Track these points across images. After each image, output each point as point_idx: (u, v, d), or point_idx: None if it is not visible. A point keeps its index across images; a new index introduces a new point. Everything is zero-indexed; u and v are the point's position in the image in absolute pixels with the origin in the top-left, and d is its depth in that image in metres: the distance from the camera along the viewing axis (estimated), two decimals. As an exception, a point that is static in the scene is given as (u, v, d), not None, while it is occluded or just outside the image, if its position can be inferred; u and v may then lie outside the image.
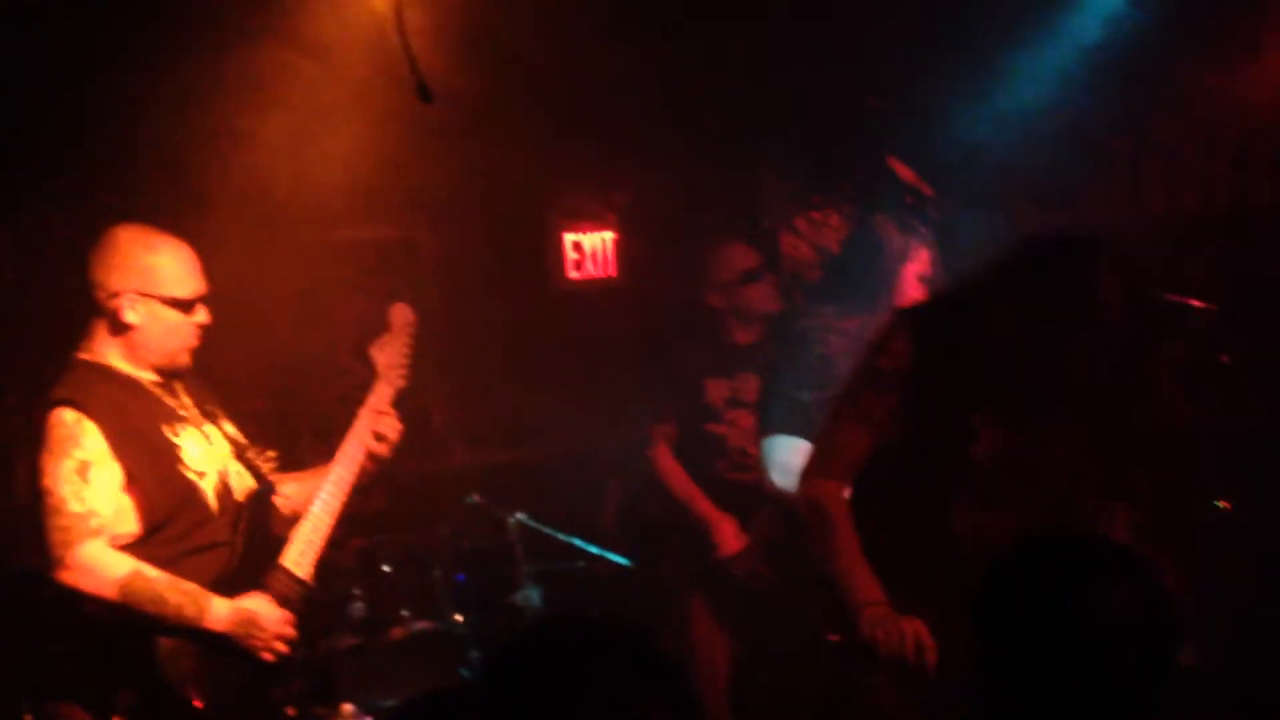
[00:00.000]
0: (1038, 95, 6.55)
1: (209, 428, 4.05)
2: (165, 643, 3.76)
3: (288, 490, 4.19)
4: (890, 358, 3.77)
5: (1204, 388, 5.34)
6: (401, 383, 4.29)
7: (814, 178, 6.92)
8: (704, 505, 5.67)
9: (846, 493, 3.86)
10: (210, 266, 4.06)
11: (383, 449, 4.21)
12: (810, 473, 3.89)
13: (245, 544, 3.95)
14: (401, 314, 4.39)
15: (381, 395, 4.25)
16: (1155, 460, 4.14)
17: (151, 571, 3.73)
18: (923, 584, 3.70)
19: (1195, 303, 5.24)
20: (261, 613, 3.84)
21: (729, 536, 5.64)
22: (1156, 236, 6.54)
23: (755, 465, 5.77)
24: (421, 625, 5.53)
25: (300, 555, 3.98)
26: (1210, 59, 6.48)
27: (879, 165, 6.50)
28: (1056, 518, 3.75)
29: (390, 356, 4.31)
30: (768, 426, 5.75)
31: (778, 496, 5.57)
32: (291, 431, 5.68)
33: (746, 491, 5.72)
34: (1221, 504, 5.27)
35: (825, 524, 3.78)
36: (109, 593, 3.69)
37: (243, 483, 4.05)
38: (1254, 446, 5.43)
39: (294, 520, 4.07)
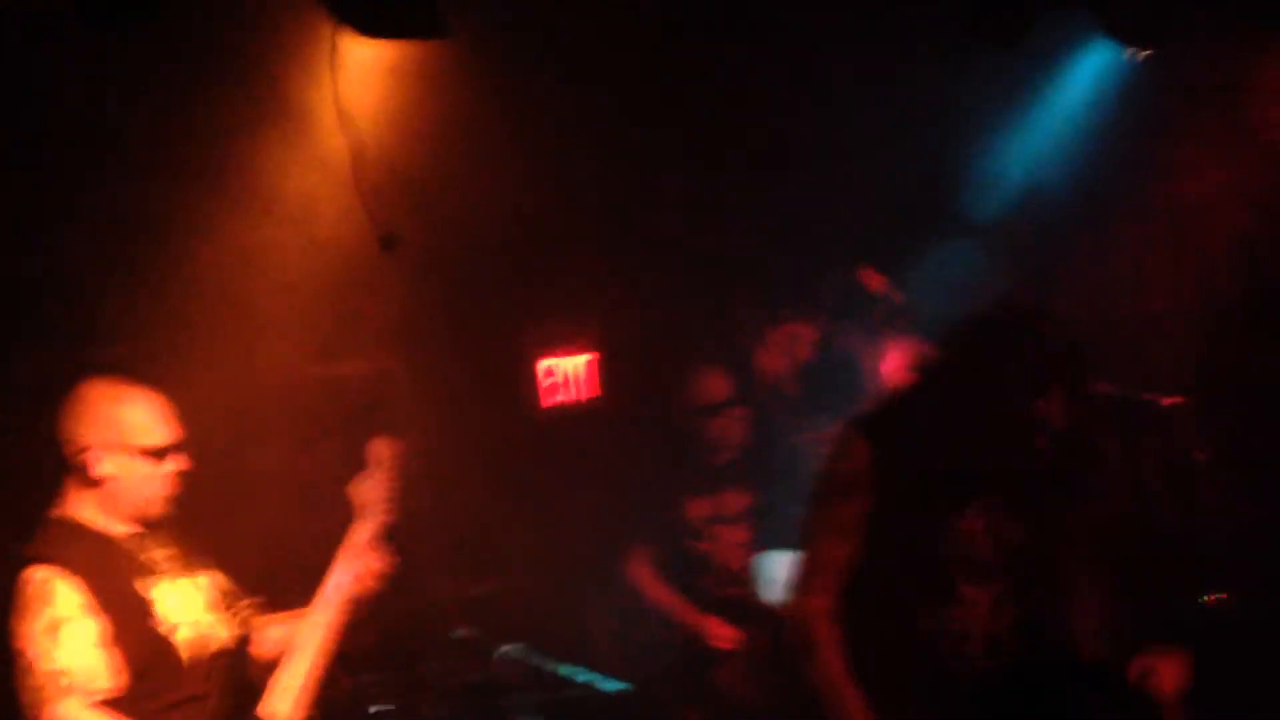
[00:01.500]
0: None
1: (184, 579, 4.00)
2: None
3: (267, 635, 4.14)
4: (849, 462, 3.81)
5: (1180, 484, 5.36)
6: (386, 518, 4.21)
7: (787, 293, 6.97)
8: (688, 612, 5.68)
9: (834, 608, 3.85)
10: (183, 412, 4.04)
11: (369, 587, 4.13)
12: (795, 593, 3.90)
13: (221, 696, 3.90)
14: (381, 449, 4.29)
15: (361, 533, 4.16)
16: (1125, 551, 4.16)
17: None
18: (902, 694, 3.71)
19: (1165, 400, 5.27)
20: None
21: (718, 630, 5.63)
22: (1125, 334, 6.60)
23: (742, 581, 5.77)
24: (413, 764, 5.49)
25: (279, 704, 3.89)
26: (1172, 163, 6.59)
27: (850, 277, 6.57)
28: (1019, 612, 3.77)
29: (370, 493, 4.22)
30: (760, 543, 5.77)
31: (770, 612, 5.56)
32: (273, 574, 5.64)
33: (735, 607, 5.72)
34: (1208, 599, 5.27)
35: (809, 645, 3.80)
36: None
37: (218, 633, 3.99)
38: (1232, 541, 5.44)
39: (273, 666, 3.99)
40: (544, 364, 7.23)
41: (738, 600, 5.80)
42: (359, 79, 5.48)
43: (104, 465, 3.86)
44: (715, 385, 5.92)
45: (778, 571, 5.71)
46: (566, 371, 7.25)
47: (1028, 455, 3.72)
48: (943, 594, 3.75)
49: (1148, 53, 5.83)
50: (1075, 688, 2.63)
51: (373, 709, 5.56)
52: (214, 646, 3.95)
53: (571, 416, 7.22)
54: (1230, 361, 6.32)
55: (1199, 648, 5.08)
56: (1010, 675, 3.71)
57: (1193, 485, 5.27)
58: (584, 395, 7.27)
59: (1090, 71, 6.45)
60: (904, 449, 3.76)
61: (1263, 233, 6.59)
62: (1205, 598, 5.34)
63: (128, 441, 3.87)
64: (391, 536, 4.26)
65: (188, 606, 3.95)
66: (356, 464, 4.33)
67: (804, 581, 3.88)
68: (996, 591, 3.77)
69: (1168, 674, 3.71)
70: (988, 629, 3.75)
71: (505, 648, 5.77)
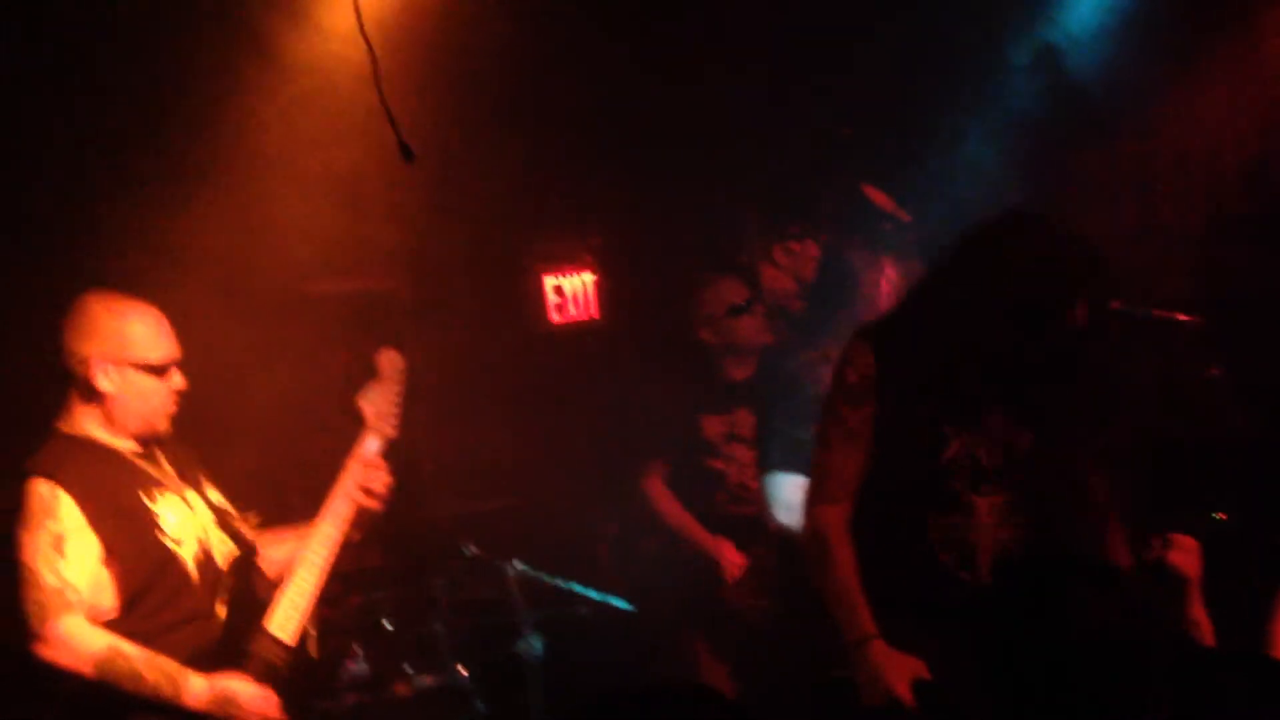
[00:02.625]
0: (1013, 114, 6.59)
1: (190, 494, 4.00)
2: (141, 718, 3.70)
3: (272, 552, 4.11)
4: (856, 370, 3.81)
5: (1194, 401, 5.35)
6: (392, 433, 4.17)
7: (791, 209, 6.92)
8: (700, 533, 5.67)
9: (847, 516, 3.86)
10: (187, 327, 4.03)
11: (373, 503, 4.09)
12: (810, 502, 3.90)
13: (228, 613, 3.90)
14: (390, 361, 4.26)
15: (369, 447, 4.13)
16: (1132, 466, 4.14)
17: (129, 648, 3.67)
18: (911, 602, 3.72)
19: (1181, 316, 5.23)
20: (241, 692, 3.77)
21: (730, 557, 5.63)
22: (1134, 252, 6.56)
23: (755, 499, 5.78)
24: (425, 680, 5.49)
25: (285, 619, 3.90)
26: (1179, 77, 6.53)
27: (854, 193, 6.52)
28: (1029, 521, 3.77)
29: (379, 406, 4.18)
30: (768, 464, 5.76)
31: (782, 533, 5.56)
32: (279, 490, 5.63)
33: (746, 525, 5.74)
34: (1219, 515, 5.25)
35: (821, 554, 3.80)
36: (85, 669, 3.64)
37: (225, 549, 3.98)
38: (1247, 457, 5.43)
39: (278, 583, 3.99)
40: (551, 281, 7.19)
41: (750, 518, 5.79)
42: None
43: (106, 379, 3.84)
44: (731, 289, 5.88)
45: (785, 493, 5.70)
46: (574, 289, 7.22)
47: (1044, 364, 3.70)
48: (948, 502, 3.75)
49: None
50: (1079, 586, 2.63)
51: (385, 624, 5.55)
52: (222, 563, 3.95)
53: (578, 334, 7.19)
54: (1236, 278, 6.28)
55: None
56: (1013, 578, 3.70)
57: (1208, 402, 5.26)
58: (592, 313, 7.24)
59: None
60: (911, 357, 3.77)
61: (1270, 152, 6.54)
62: (1215, 514, 5.33)
63: (129, 356, 3.86)
64: (398, 451, 4.23)
65: (194, 523, 3.95)
66: (363, 379, 4.31)
67: (817, 490, 3.88)
68: (1005, 500, 3.76)
69: (1186, 554, 3.68)
70: (995, 537, 3.75)
71: (513, 563, 5.76)
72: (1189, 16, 6.36)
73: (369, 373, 4.30)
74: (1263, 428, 5.45)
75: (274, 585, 4.00)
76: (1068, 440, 3.84)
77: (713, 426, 5.78)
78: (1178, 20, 6.38)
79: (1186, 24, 6.39)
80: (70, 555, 3.68)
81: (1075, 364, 3.80)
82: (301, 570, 3.96)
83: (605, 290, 7.26)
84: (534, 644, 5.70)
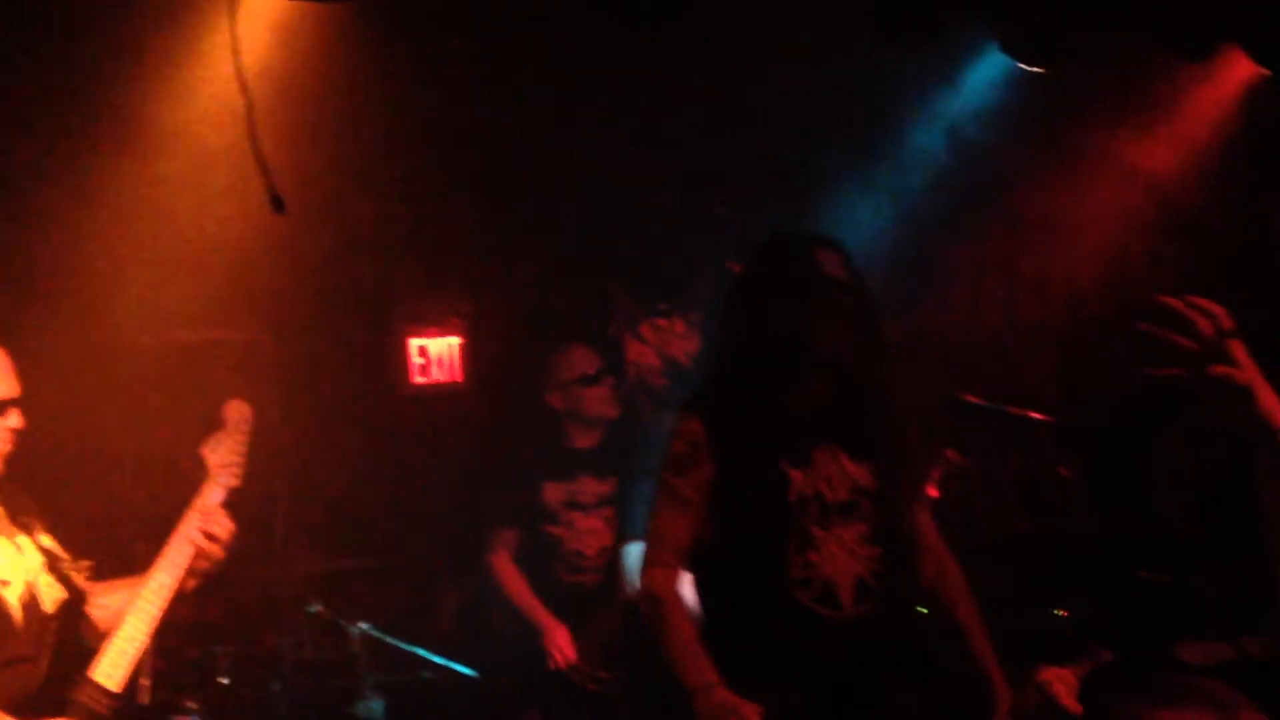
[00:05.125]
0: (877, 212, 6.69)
1: (20, 538, 3.87)
2: None
3: (105, 600, 3.99)
4: (683, 440, 3.91)
5: (1044, 499, 5.44)
6: (235, 482, 4.08)
7: (660, 286, 6.97)
8: (539, 612, 5.67)
9: (680, 578, 3.93)
10: (36, 364, 3.93)
11: (215, 549, 3.98)
12: (645, 565, 3.96)
13: (52, 658, 3.77)
14: (236, 410, 4.20)
15: (211, 497, 4.04)
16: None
17: None
18: (770, 649, 3.78)
19: (1034, 415, 5.33)
20: None
21: (563, 645, 5.62)
22: (995, 346, 6.68)
23: (592, 567, 5.78)
24: (260, 740, 5.41)
25: (112, 666, 3.77)
26: (1048, 172, 6.68)
27: (724, 272, 6.55)
28: (881, 553, 3.83)
29: (223, 455, 4.10)
30: (628, 533, 5.77)
31: (628, 601, 5.56)
32: (123, 539, 5.52)
33: (583, 595, 5.75)
34: (1061, 612, 5.34)
35: (657, 613, 3.86)
36: None
37: (53, 594, 3.85)
38: (1092, 556, 5.52)
39: (108, 632, 3.86)
40: (415, 343, 7.16)
41: (588, 587, 5.79)
42: (252, 33, 5.36)
43: None
44: (584, 359, 5.93)
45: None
46: (440, 351, 7.19)
47: (853, 396, 3.90)
48: (803, 540, 3.80)
49: (1039, 70, 5.89)
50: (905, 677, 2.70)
51: (222, 680, 5.44)
52: (49, 607, 3.83)
53: (439, 396, 7.16)
54: (1092, 379, 6.41)
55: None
56: (859, 655, 3.77)
57: (1056, 500, 5.35)
58: (454, 376, 7.22)
59: (979, 84, 6.51)
60: (737, 415, 3.88)
61: (1133, 251, 6.71)
62: (1056, 611, 5.42)
63: None
64: (248, 503, 4.17)
65: (22, 566, 3.82)
66: (209, 429, 4.25)
67: (651, 554, 3.96)
68: (856, 533, 3.84)
69: (1066, 687, 3.77)
70: (853, 569, 3.80)
71: (359, 625, 5.70)
72: (1061, 112, 6.51)
73: (215, 423, 4.24)
74: (1107, 528, 5.55)
75: (103, 635, 3.87)
76: (898, 475, 3.94)
77: (553, 493, 5.80)
78: (1050, 114, 6.53)
79: (1059, 118, 6.54)
80: None
81: (883, 398, 3.92)
82: (132, 618, 3.84)
83: (470, 354, 7.25)
84: (374, 707, 5.65)
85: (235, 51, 4.76)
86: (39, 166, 5.49)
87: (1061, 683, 3.72)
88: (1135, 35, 5.95)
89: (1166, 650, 4.58)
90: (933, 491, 5.36)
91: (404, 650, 5.84)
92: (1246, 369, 2.58)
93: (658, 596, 3.86)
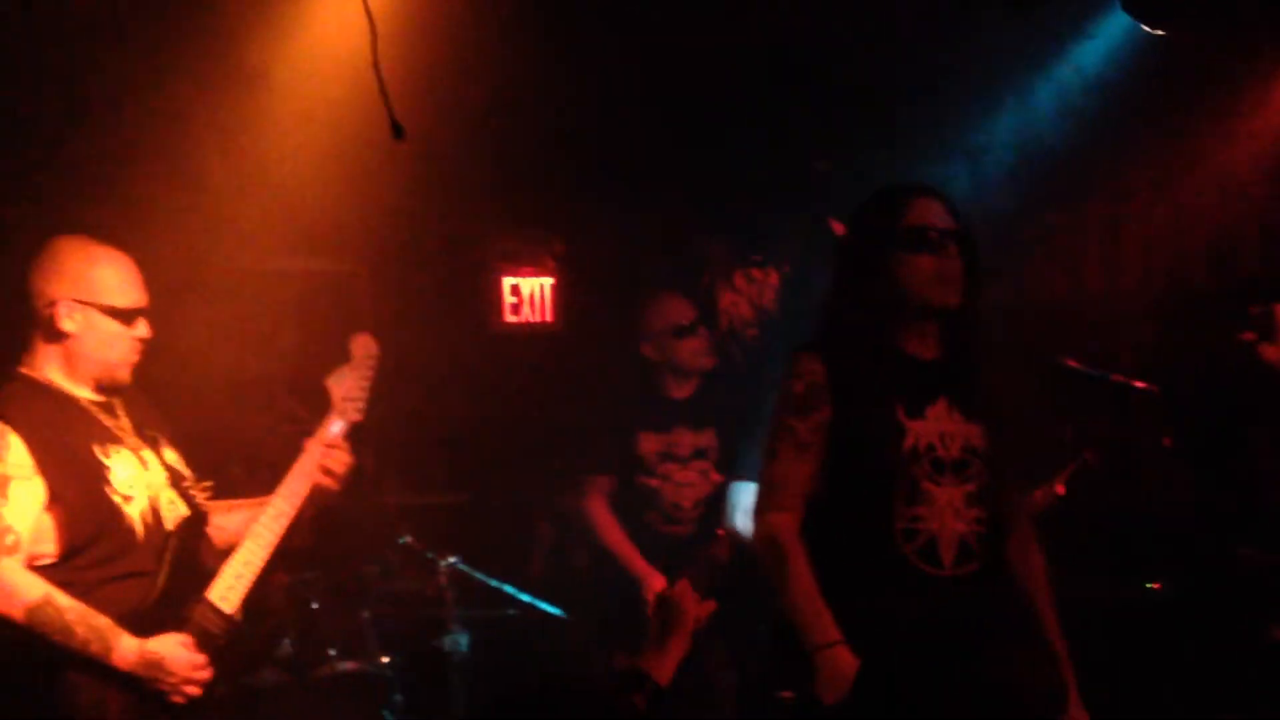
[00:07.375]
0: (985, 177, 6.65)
1: (146, 452, 3.92)
2: (71, 675, 3.63)
3: (222, 521, 4.05)
4: (803, 380, 3.83)
5: (1146, 469, 5.41)
6: (358, 417, 4.12)
7: (756, 237, 6.94)
8: (636, 560, 5.64)
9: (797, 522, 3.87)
10: (149, 283, 3.97)
11: (331, 483, 4.04)
12: (759, 510, 3.89)
13: (170, 574, 3.80)
14: (363, 346, 4.21)
15: (333, 428, 4.08)
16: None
17: (63, 600, 3.60)
18: (871, 599, 3.72)
19: (1138, 384, 5.29)
20: (170, 656, 3.70)
21: (656, 587, 5.62)
22: (1095, 312, 6.62)
23: (688, 519, 5.76)
24: (347, 665, 5.46)
25: (228, 589, 3.84)
26: (1155, 146, 6.60)
27: (820, 226, 6.53)
28: (985, 514, 3.80)
29: (348, 389, 4.13)
30: (738, 473, 5.74)
31: (733, 537, 5.55)
32: (219, 460, 5.57)
33: (677, 545, 5.70)
34: (1154, 585, 5.31)
35: (778, 560, 3.78)
36: (16, 614, 3.57)
37: (174, 511, 3.90)
38: (1189, 530, 5.48)
39: (226, 552, 3.92)
40: (509, 281, 7.18)
41: (682, 538, 5.79)
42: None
43: (70, 320, 3.79)
44: (677, 308, 5.87)
45: (746, 499, 5.69)
46: (532, 291, 7.21)
47: (965, 354, 3.86)
48: (911, 492, 3.75)
49: (1159, 33, 5.79)
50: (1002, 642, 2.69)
51: (314, 604, 5.50)
52: (169, 524, 3.88)
53: (531, 336, 7.18)
54: (1190, 351, 6.35)
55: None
56: (957, 615, 3.75)
57: (1156, 472, 5.31)
58: (545, 317, 7.23)
59: (1096, 47, 6.43)
60: (857, 360, 3.81)
61: (1239, 236, 6.63)
62: (1149, 584, 5.40)
63: (96, 299, 3.81)
64: (356, 435, 4.20)
65: (147, 479, 3.87)
66: (322, 360, 4.27)
67: (767, 499, 3.88)
68: (963, 493, 3.79)
69: None
70: (957, 528, 3.77)
71: (448, 559, 5.73)
72: (1172, 90, 6.43)
73: (332, 355, 4.26)
74: (1205, 501, 5.50)
75: (220, 554, 3.93)
76: (1006, 440, 3.89)
77: (649, 443, 5.76)
78: (1162, 91, 6.44)
79: (1170, 96, 6.46)
80: (13, 498, 3.62)
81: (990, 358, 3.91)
82: (250, 542, 3.91)
83: (563, 296, 7.26)
84: (459, 640, 5.69)
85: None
86: (156, 107, 5.53)
87: None
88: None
89: (1265, 632, 4.56)
90: (1059, 489, 5.31)
91: (491, 586, 5.87)
92: None
93: (780, 541, 3.78)
